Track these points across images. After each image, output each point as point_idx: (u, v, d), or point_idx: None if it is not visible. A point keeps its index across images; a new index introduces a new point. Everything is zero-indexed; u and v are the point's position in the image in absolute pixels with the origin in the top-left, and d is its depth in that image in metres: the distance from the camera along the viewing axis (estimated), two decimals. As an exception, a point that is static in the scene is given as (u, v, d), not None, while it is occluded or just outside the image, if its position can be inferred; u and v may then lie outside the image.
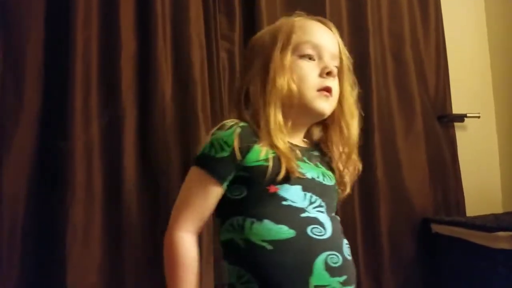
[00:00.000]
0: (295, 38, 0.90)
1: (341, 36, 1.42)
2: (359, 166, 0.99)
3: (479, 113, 1.69)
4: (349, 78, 0.97)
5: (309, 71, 0.89)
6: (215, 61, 1.32)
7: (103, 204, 1.18)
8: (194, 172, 0.88)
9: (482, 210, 1.59)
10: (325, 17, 1.41)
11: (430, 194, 1.55)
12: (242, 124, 0.88)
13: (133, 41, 1.25)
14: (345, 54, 0.97)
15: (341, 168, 0.97)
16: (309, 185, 0.87)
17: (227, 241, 0.86)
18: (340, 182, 0.97)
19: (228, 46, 1.37)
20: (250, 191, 0.85)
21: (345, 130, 0.96)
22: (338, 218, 0.92)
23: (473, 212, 1.60)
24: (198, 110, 1.26)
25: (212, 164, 0.85)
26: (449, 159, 1.62)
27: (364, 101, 1.44)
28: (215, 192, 0.85)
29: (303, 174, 0.86)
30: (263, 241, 0.80)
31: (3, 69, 1.16)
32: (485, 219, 1.39)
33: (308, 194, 0.86)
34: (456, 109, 1.67)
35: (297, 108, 0.89)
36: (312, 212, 0.84)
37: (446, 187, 1.60)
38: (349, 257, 0.87)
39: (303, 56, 0.90)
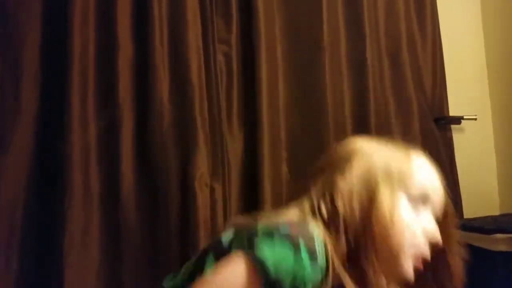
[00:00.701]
0: (410, 184, 0.79)
1: (338, 39, 1.47)
2: None
3: (476, 115, 1.70)
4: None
5: (414, 232, 0.78)
6: (212, 64, 1.32)
7: (101, 206, 1.17)
8: (249, 271, 0.68)
9: (480, 212, 1.59)
10: (321, 22, 1.44)
11: (427, 196, 1.55)
12: (324, 251, 0.70)
13: (131, 44, 1.25)
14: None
15: None
16: None
17: None
18: None
19: (226, 49, 1.37)
20: None
21: None
22: None
23: (470, 214, 1.60)
24: (196, 112, 1.26)
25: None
26: (446, 161, 1.62)
27: (361, 103, 1.47)
28: None
29: None
30: None
31: (1, 70, 1.16)
32: (483, 221, 1.39)
33: None
34: (453, 112, 1.68)
35: (388, 266, 0.75)
36: None
37: (444, 190, 1.59)
38: None
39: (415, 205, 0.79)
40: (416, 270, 0.77)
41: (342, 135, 1.42)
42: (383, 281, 0.73)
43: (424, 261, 0.78)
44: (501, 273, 1.17)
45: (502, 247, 1.17)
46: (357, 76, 1.48)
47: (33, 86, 1.18)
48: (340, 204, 0.76)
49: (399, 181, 0.78)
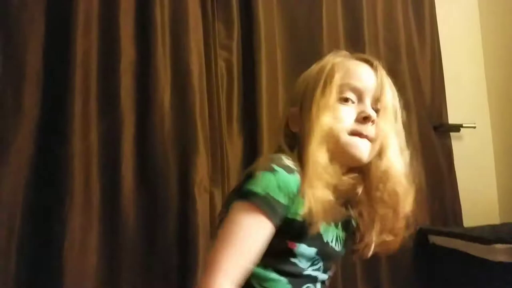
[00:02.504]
0: (336, 79, 0.87)
1: (337, 47, 1.47)
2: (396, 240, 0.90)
3: (475, 124, 1.71)
4: (391, 123, 0.89)
5: (345, 114, 0.85)
6: (213, 69, 1.33)
7: (101, 211, 1.17)
8: (249, 209, 0.76)
9: (480, 220, 1.60)
10: (321, 29, 1.45)
11: (426, 204, 1.55)
12: (298, 169, 0.80)
13: (133, 50, 1.26)
14: (389, 96, 0.90)
15: (362, 230, 0.91)
16: (323, 250, 0.85)
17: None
18: (360, 241, 0.91)
19: (226, 55, 1.38)
20: (274, 240, 0.78)
21: (373, 192, 0.88)
22: (329, 275, 0.91)
23: (470, 223, 1.60)
24: (197, 117, 1.27)
25: (273, 205, 0.76)
26: (445, 169, 1.62)
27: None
28: (270, 233, 0.77)
29: (321, 236, 0.84)
30: (263, 285, 0.81)
31: (2, 74, 1.16)
32: (483, 231, 1.38)
33: (317, 258, 0.85)
34: (452, 120, 1.68)
35: (336, 155, 0.84)
36: (309, 271, 0.84)
37: (443, 197, 1.59)
38: None
39: (342, 99, 0.87)
40: (360, 142, 0.84)
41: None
42: (334, 167, 0.82)
43: (364, 137, 0.85)
44: (500, 284, 1.16)
45: (502, 258, 1.16)
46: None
47: (35, 89, 1.18)
48: (292, 126, 0.90)
49: (325, 83, 0.87)
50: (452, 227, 1.56)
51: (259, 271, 0.79)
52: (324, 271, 0.88)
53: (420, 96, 1.62)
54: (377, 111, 0.88)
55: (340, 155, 0.84)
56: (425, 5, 1.68)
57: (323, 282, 0.89)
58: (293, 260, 0.82)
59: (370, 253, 0.92)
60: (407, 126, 1.51)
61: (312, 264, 0.85)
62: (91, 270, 1.14)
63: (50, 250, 1.11)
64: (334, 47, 1.46)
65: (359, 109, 0.86)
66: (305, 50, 1.45)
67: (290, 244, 0.81)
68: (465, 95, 1.78)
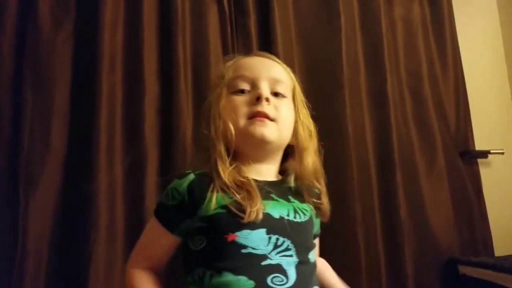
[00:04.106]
0: (226, 78, 0.93)
1: (358, 75, 1.48)
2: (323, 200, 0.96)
3: (503, 149, 1.66)
4: (301, 101, 0.97)
5: (239, 102, 0.89)
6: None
7: (126, 245, 1.18)
8: (152, 219, 0.91)
9: (510, 249, 1.54)
10: (341, 57, 1.46)
11: (455, 233, 1.50)
12: (199, 171, 0.88)
13: (156, 86, 1.29)
14: (291, 76, 0.97)
15: (309, 200, 0.94)
16: (275, 226, 0.82)
17: None
18: (318, 212, 0.96)
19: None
20: (209, 241, 0.81)
21: (299, 160, 0.93)
22: (313, 259, 0.88)
23: (502, 251, 1.54)
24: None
25: (163, 212, 0.88)
26: (474, 196, 1.58)
27: (385, 139, 1.46)
28: (166, 239, 0.88)
29: (268, 215, 0.82)
30: None
31: (31, 111, 1.20)
32: (515, 260, 1.34)
33: (274, 237, 0.81)
34: (480, 146, 1.65)
35: (242, 142, 0.88)
36: (274, 259, 0.79)
37: (472, 225, 1.55)
38: None
39: (235, 92, 0.91)
40: (258, 122, 0.87)
41: (365, 171, 1.41)
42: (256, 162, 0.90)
43: (262, 116, 0.88)
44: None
45: (536, 289, 1.12)
46: (378, 111, 1.48)
47: (62, 125, 1.22)
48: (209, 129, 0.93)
49: (217, 85, 0.94)
50: (483, 256, 1.51)
51: (217, 280, 0.77)
52: (300, 250, 0.83)
53: (444, 122, 1.59)
54: (277, 94, 0.92)
55: (249, 146, 0.89)
56: (446, 30, 1.66)
57: (302, 263, 0.82)
58: (244, 251, 0.78)
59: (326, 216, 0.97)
60: (432, 153, 1.53)
61: (276, 247, 0.80)
62: (116, 304, 1.14)
63: (76, 285, 1.12)
64: (354, 75, 1.48)
65: (253, 93, 0.90)
66: (325, 80, 1.45)
67: (229, 237, 0.79)
68: (492, 120, 1.74)
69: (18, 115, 1.20)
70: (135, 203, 1.21)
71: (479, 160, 1.65)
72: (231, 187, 0.82)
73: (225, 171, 0.84)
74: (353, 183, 1.37)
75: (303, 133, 0.94)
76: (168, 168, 1.24)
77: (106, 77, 1.23)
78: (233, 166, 0.87)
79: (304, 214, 0.89)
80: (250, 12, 1.41)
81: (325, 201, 0.96)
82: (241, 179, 0.84)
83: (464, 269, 1.43)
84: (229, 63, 0.98)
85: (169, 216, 0.87)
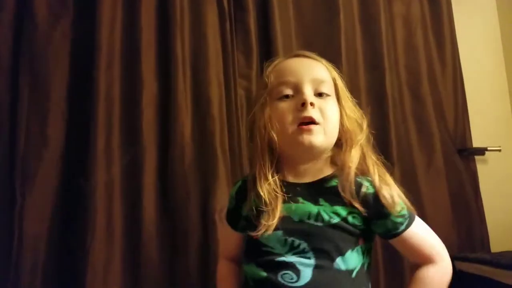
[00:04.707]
0: (270, 85, 0.93)
1: (357, 73, 1.48)
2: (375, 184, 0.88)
3: (500, 147, 1.67)
4: (346, 97, 0.95)
5: (285, 110, 0.89)
6: (233, 98, 1.35)
7: (123, 243, 1.18)
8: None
9: (508, 245, 1.55)
10: (340, 55, 1.45)
11: (453, 230, 1.51)
12: (247, 177, 0.95)
13: (154, 83, 1.28)
14: (336, 74, 0.96)
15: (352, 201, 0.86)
16: (292, 229, 0.84)
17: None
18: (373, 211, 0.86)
19: (246, 84, 1.39)
20: (247, 237, 0.92)
21: (344, 155, 0.90)
22: (345, 267, 0.82)
23: (498, 248, 1.55)
24: (217, 146, 1.28)
25: (227, 215, 1.00)
26: (471, 193, 1.58)
27: (383, 137, 1.45)
28: (233, 236, 0.99)
29: (288, 218, 0.85)
30: (250, 278, 0.87)
31: (28, 109, 1.20)
32: (511, 256, 1.35)
33: (290, 239, 0.84)
34: (477, 143, 1.65)
35: (289, 149, 0.89)
36: (290, 258, 0.83)
37: (469, 222, 1.55)
38: None
39: (281, 98, 0.90)
40: (305, 131, 0.87)
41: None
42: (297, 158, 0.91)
43: (308, 121, 0.87)
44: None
45: (532, 285, 1.13)
46: (377, 108, 1.48)
47: (59, 122, 1.22)
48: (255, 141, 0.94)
49: (261, 95, 0.94)
50: (479, 253, 1.51)
51: (246, 268, 0.89)
52: (318, 253, 0.82)
53: (442, 120, 1.59)
54: (321, 94, 0.91)
55: (292, 148, 0.89)
56: (445, 28, 1.66)
57: (322, 267, 0.81)
58: (265, 249, 0.86)
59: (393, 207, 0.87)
60: (430, 150, 1.54)
61: (293, 248, 0.84)
62: (114, 301, 1.14)
63: (73, 283, 1.12)
64: (354, 73, 1.48)
65: (297, 99, 0.89)
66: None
67: (254, 236, 0.86)
68: (489, 118, 1.74)
69: (15, 111, 1.19)
70: (133, 202, 1.20)
71: (476, 158, 1.65)
72: (263, 199, 0.86)
73: (263, 186, 0.88)
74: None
75: (350, 128, 0.93)
76: (167, 166, 1.24)
77: (104, 74, 1.22)
78: (275, 177, 0.89)
79: (331, 217, 0.84)
80: (249, 8, 1.40)
81: (381, 195, 0.86)
82: (274, 194, 0.87)
83: (461, 265, 1.43)
84: (270, 68, 0.97)
85: (231, 217, 0.98)
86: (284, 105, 0.90)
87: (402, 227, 0.89)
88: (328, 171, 0.92)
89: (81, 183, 1.17)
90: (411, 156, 1.51)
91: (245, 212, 0.92)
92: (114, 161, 1.21)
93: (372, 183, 0.89)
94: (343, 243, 0.84)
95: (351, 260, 0.84)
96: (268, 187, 0.87)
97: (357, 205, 0.85)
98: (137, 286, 1.17)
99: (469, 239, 1.54)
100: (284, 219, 0.85)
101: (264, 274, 0.83)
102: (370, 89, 1.50)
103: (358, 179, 0.88)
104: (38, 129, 1.20)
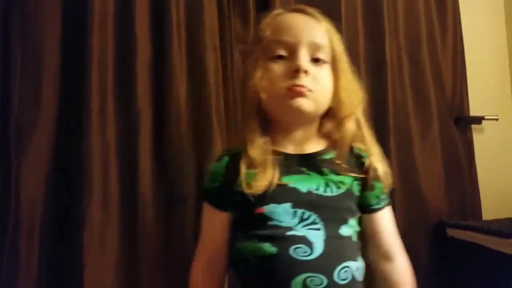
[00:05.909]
0: (265, 40, 0.88)
1: (357, 38, 1.45)
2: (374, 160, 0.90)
3: (497, 116, 1.66)
4: (344, 66, 0.90)
5: (277, 73, 0.85)
6: (229, 63, 1.32)
7: (120, 205, 1.19)
8: (204, 206, 0.95)
9: (499, 214, 1.56)
10: (340, 20, 1.42)
11: (446, 198, 1.53)
12: (232, 151, 0.91)
13: (149, 46, 1.25)
14: (336, 41, 0.90)
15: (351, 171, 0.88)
16: (301, 200, 0.83)
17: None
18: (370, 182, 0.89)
19: (242, 47, 1.36)
20: (242, 212, 0.87)
21: (337, 127, 0.90)
22: (350, 233, 0.85)
23: (490, 216, 1.57)
24: (212, 112, 1.27)
25: (212, 196, 0.92)
26: (465, 162, 1.59)
27: (380, 104, 1.44)
28: (219, 220, 0.91)
29: (294, 189, 0.84)
30: (252, 256, 0.82)
31: (20, 72, 1.18)
32: (501, 224, 1.37)
33: (300, 211, 0.82)
34: (474, 112, 1.64)
35: (277, 113, 0.88)
36: (300, 231, 0.81)
37: (462, 191, 1.57)
38: (342, 281, 0.80)
39: (274, 58, 0.87)
40: (295, 94, 0.84)
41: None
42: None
43: (299, 87, 0.84)
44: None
45: (521, 252, 1.15)
46: (376, 76, 1.46)
47: (53, 85, 1.20)
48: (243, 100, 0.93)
49: (254, 49, 0.90)
50: (470, 220, 1.54)
51: (243, 245, 0.84)
52: (328, 224, 0.82)
53: (440, 87, 1.57)
54: (318, 59, 0.87)
55: (280, 112, 0.87)
56: (447, -6, 1.63)
57: (332, 237, 0.82)
58: (272, 223, 0.82)
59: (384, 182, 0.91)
60: (427, 119, 1.53)
61: (302, 220, 0.82)
62: (111, 262, 1.16)
63: (70, 245, 1.14)
64: (353, 40, 1.45)
65: (291, 63, 0.85)
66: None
67: (257, 210, 0.83)
68: (487, 86, 1.73)
69: (7, 75, 1.17)
70: (129, 165, 1.20)
71: (473, 126, 1.65)
72: (255, 163, 0.84)
73: (254, 148, 0.85)
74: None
75: (345, 99, 0.89)
76: (162, 129, 1.23)
77: (97, 37, 1.19)
78: (266, 139, 0.87)
79: (338, 187, 0.86)
80: (246, -32, 1.36)
81: (378, 167, 0.89)
82: (266, 156, 0.85)
83: (452, 232, 1.46)
84: (267, 20, 0.92)
85: (217, 196, 0.91)
86: (277, 67, 0.86)
87: (382, 204, 0.92)
88: (321, 142, 0.92)
89: (76, 146, 1.16)
90: (407, 123, 1.50)
91: (239, 188, 0.85)
92: (108, 124, 1.19)
93: (368, 153, 0.90)
94: (349, 211, 0.87)
95: (352, 226, 0.87)
96: (257, 150, 0.85)
97: (355, 175, 0.87)
98: (134, 248, 1.19)
99: (461, 207, 1.56)
100: (291, 191, 0.84)
101: (273, 249, 0.80)
102: (369, 56, 1.48)
103: (355, 151, 0.90)
104: (32, 93, 1.18)
